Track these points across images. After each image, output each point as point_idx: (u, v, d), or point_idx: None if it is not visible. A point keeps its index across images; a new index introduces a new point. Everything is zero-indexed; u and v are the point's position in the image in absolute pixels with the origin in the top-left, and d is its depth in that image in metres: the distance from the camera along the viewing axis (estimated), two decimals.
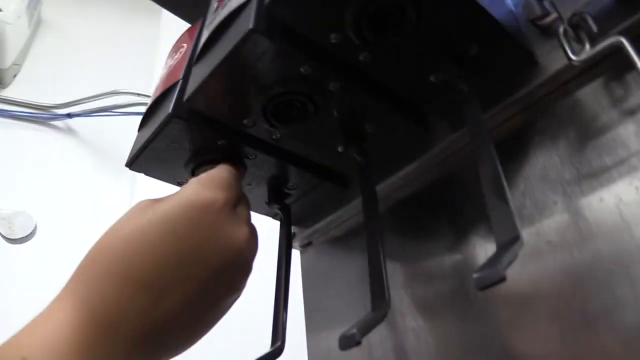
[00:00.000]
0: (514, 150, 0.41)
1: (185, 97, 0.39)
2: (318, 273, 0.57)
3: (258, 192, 0.50)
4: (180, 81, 0.42)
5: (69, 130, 1.72)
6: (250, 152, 0.44)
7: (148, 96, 1.69)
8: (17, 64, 1.74)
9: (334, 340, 0.51)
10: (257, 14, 0.34)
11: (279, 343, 0.42)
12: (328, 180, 0.50)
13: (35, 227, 0.99)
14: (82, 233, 1.49)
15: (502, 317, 0.39)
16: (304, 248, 0.58)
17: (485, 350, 0.40)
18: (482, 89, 0.37)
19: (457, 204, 0.46)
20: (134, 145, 0.46)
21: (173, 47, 0.52)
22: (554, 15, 0.37)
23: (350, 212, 0.52)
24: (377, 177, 0.46)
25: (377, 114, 0.42)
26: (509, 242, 0.29)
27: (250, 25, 0.33)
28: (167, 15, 1.92)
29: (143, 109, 1.71)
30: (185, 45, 0.48)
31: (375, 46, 0.36)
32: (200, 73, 0.38)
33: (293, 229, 0.58)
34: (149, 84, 1.77)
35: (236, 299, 0.39)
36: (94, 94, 1.70)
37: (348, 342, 0.32)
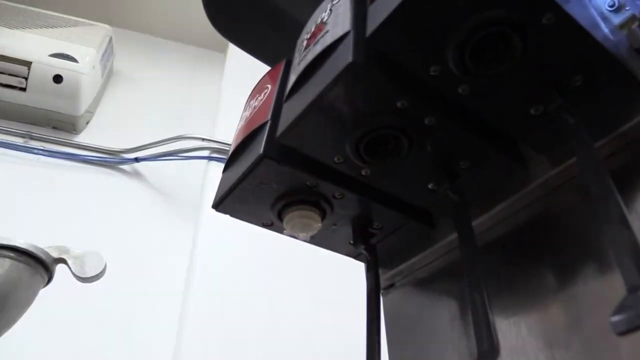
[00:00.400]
0: (619, 187, 0.39)
1: (278, 134, 0.39)
2: (402, 317, 0.54)
3: (343, 232, 0.49)
4: (269, 121, 0.42)
5: (136, 174, 1.79)
6: (338, 191, 0.43)
7: (212, 140, 1.74)
8: (90, 112, 1.84)
9: None
10: (356, 46, 0.33)
11: None
12: (415, 220, 0.48)
13: (105, 267, 1.00)
14: (146, 271, 1.53)
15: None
16: (386, 290, 0.56)
17: None
18: (586, 121, 0.35)
19: (557, 243, 0.42)
20: (219, 187, 0.46)
21: (254, 90, 0.52)
22: None
23: (438, 253, 0.50)
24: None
25: (472, 150, 0.40)
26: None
27: (350, 58, 0.33)
28: (230, 64, 2.00)
29: (206, 153, 1.77)
30: (269, 86, 0.48)
31: (475, 78, 0.35)
32: (293, 110, 0.38)
33: None
34: (213, 129, 1.82)
35: None
36: (160, 139, 1.76)
37: None
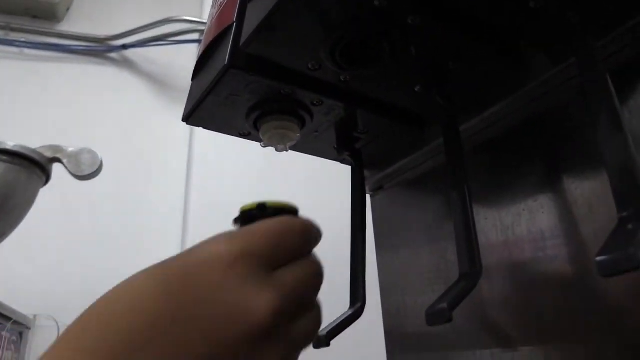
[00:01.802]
0: (621, 85, 0.35)
1: (242, 42, 0.34)
2: (391, 218, 0.53)
3: (326, 137, 0.46)
4: (235, 24, 0.37)
5: (126, 62, 1.72)
6: (315, 98, 0.40)
7: (201, 22, 1.64)
8: None
9: (409, 289, 0.49)
10: None
11: (359, 304, 0.40)
12: (402, 123, 0.45)
13: (101, 163, 0.99)
14: (144, 164, 1.53)
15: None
16: (374, 192, 0.55)
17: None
18: (589, 16, 0.31)
19: (552, 144, 0.40)
20: (188, 98, 0.42)
21: None
22: None
23: (427, 156, 0.47)
24: (459, 118, 0.41)
25: (462, 50, 0.36)
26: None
27: None
28: None
29: (196, 36, 1.68)
30: None
31: None
32: (257, 13, 0.33)
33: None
34: (201, 9, 1.71)
35: None
36: (146, 23, 1.66)
37: (437, 318, 0.29)
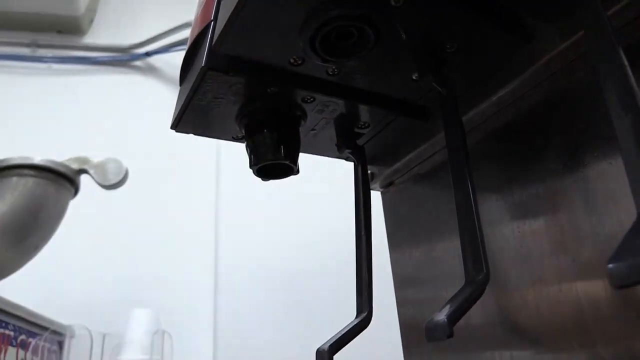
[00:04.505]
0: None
1: (215, 43, 0.32)
2: (404, 214, 0.50)
3: (325, 135, 0.43)
4: (212, 22, 0.35)
5: (150, 69, 1.73)
6: (305, 94, 0.37)
7: None
8: (91, 9, 1.74)
9: (426, 284, 0.46)
10: None
11: (365, 313, 0.37)
12: (404, 114, 0.41)
13: (127, 172, 0.99)
14: (172, 169, 1.53)
15: None
16: (385, 189, 0.51)
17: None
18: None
19: (566, 128, 0.36)
20: (176, 105, 0.40)
21: None
22: None
23: (435, 147, 0.44)
24: (463, 105, 0.38)
25: (459, 28, 0.32)
26: None
27: None
28: None
29: None
30: None
31: None
32: (226, 8, 0.31)
33: (372, 169, 0.51)
34: None
35: None
36: (167, 28, 1.67)
37: (436, 333, 0.26)
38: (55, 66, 1.64)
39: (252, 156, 0.38)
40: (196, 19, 0.41)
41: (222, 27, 0.31)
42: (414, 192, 0.49)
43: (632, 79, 0.24)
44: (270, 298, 1.33)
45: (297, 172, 0.40)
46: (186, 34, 1.69)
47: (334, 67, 0.35)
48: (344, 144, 0.43)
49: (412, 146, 0.45)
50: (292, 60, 0.33)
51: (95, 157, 1.08)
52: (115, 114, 1.59)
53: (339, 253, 1.14)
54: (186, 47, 0.40)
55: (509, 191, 0.39)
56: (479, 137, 0.40)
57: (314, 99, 0.38)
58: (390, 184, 0.50)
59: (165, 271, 1.34)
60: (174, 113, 0.40)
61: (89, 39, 1.73)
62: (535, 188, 0.37)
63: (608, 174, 0.31)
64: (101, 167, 1.10)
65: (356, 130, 0.43)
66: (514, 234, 0.37)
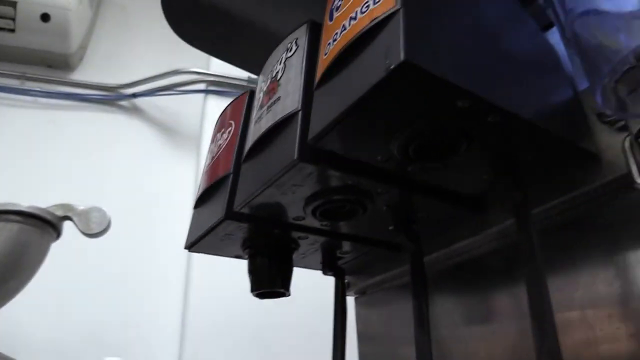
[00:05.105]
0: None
1: (236, 205, 0.40)
2: (374, 320, 0.58)
3: (313, 257, 0.51)
4: (231, 176, 0.43)
5: (135, 110, 1.79)
6: (302, 234, 0.45)
7: (207, 74, 1.72)
8: (83, 47, 1.80)
9: None
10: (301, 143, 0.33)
11: None
12: (381, 247, 0.50)
13: (109, 222, 1.04)
14: (150, 210, 1.58)
15: None
16: (359, 296, 0.60)
17: None
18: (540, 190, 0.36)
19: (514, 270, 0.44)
20: (191, 226, 0.48)
21: (219, 121, 0.52)
22: (622, 123, 0.34)
23: (404, 272, 0.53)
24: (429, 248, 0.47)
25: (426, 202, 0.41)
26: None
27: (295, 156, 0.33)
28: None
29: (203, 86, 1.75)
30: (233, 123, 0.48)
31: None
32: (248, 184, 0.39)
33: (349, 278, 0.59)
34: (208, 63, 1.78)
35: None
36: (155, 73, 1.74)
37: None
38: (42, 100, 1.68)
39: (252, 282, 0.46)
40: (211, 161, 0.48)
41: (243, 198, 0.39)
42: (383, 301, 0.57)
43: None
44: (237, 348, 1.37)
45: (289, 295, 0.47)
46: (173, 80, 1.77)
47: (327, 223, 0.43)
48: (327, 267, 0.51)
49: (383, 269, 0.54)
50: (294, 217, 0.42)
51: (80, 204, 1.12)
52: (99, 152, 1.63)
53: (307, 307, 1.20)
54: (202, 184, 0.48)
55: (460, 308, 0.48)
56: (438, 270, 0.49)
57: (308, 237, 0.46)
58: (364, 292, 0.58)
59: (134, 317, 1.38)
60: (188, 236, 0.48)
61: (78, 75, 1.78)
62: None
63: None
64: (85, 215, 1.14)
65: (338, 254, 0.51)
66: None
